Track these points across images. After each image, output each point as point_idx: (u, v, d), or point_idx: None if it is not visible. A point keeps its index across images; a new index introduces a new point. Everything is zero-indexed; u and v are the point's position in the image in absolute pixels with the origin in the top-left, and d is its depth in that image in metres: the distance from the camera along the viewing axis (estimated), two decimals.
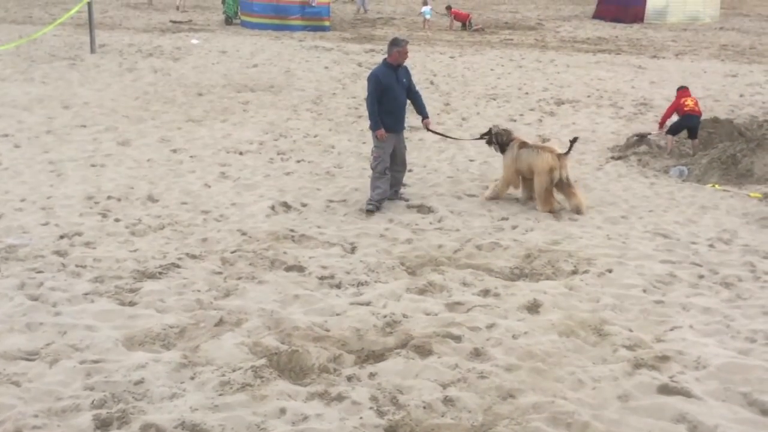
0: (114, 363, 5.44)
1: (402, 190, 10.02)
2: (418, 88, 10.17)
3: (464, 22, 30.54)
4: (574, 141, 9.82)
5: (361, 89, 17.24)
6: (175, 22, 29.06)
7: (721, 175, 11.43)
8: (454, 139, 11.72)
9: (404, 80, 9.67)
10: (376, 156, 9.56)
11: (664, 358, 5.67)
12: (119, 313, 6.31)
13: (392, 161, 9.65)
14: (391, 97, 9.50)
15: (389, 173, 9.58)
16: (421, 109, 9.91)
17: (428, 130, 10.25)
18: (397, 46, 9.53)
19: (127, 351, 5.68)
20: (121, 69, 18.52)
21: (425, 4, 30.78)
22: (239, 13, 29.20)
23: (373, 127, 9.55)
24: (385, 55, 9.49)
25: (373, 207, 9.37)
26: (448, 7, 31.08)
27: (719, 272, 7.61)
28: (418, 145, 12.73)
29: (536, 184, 9.48)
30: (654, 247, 8.30)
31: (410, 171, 11.08)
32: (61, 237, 8.06)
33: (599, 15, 35.32)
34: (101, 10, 30.33)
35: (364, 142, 12.78)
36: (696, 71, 20.67)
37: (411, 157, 11.99)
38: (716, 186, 11.05)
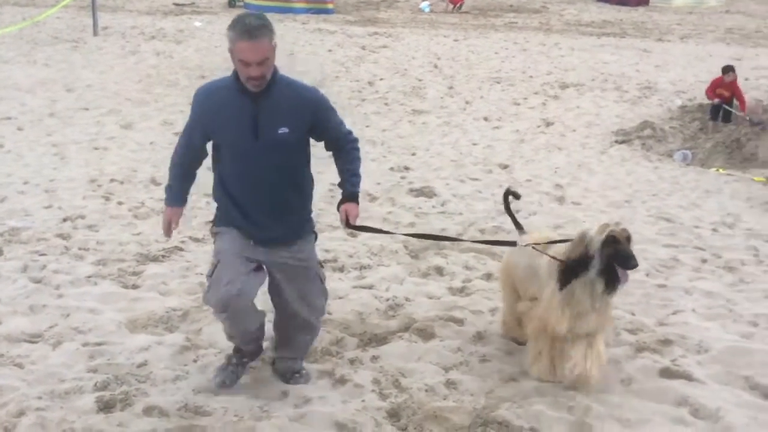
0: (117, 345, 5.44)
1: (302, 368, 5.03)
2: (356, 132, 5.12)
3: (457, 4, 31.03)
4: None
5: (364, 72, 17.19)
6: (177, 4, 28.95)
7: (726, 159, 11.42)
8: (389, 233, 5.74)
9: (284, 129, 4.36)
10: (210, 268, 4.64)
11: (667, 342, 5.66)
12: (122, 295, 6.31)
13: (275, 305, 4.88)
14: (232, 155, 4.48)
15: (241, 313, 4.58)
16: (346, 174, 4.86)
17: (348, 227, 4.66)
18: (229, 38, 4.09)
19: (130, 333, 5.68)
20: (124, 51, 18.47)
21: None
22: None
23: (165, 198, 4.84)
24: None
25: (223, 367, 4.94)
26: None
27: (722, 256, 7.60)
28: (421, 129, 12.69)
29: None
30: (657, 231, 8.28)
31: (413, 155, 11.04)
32: (64, 220, 8.06)
33: None
34: None
35: (367, 126, 12.73)
36: (701, 55, 20.56)
37: (414, 140, 11.96)
38: (720, 170, 11.02)
